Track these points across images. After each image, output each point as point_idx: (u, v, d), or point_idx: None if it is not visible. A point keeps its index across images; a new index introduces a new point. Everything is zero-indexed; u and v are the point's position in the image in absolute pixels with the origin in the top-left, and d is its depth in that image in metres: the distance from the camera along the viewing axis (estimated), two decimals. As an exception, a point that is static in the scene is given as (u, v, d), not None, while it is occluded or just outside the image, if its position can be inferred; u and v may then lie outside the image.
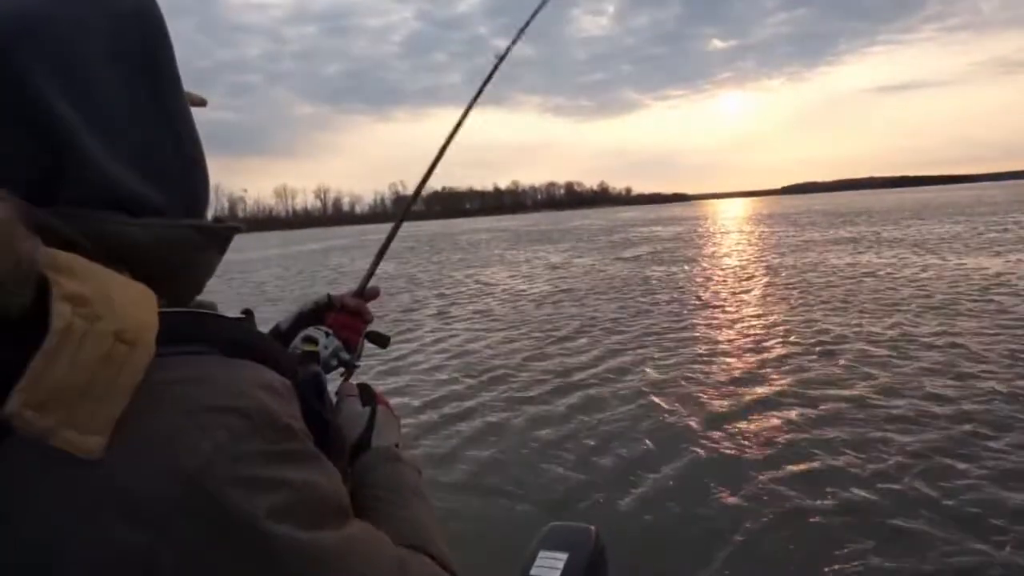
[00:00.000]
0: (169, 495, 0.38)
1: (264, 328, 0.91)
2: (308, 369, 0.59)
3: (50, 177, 0.44)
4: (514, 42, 1.09)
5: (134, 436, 0.39)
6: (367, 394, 0.85)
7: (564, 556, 1.05)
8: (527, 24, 1.08)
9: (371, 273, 1.00)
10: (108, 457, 0.37)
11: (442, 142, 1.06)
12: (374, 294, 1.01)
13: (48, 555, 0.37)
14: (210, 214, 0.58)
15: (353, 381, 0.91)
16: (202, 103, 0.63)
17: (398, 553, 0.53)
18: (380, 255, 1.04)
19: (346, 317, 0.94)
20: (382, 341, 1.02)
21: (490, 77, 1.08)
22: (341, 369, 0.93)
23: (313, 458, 0.47)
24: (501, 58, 1.08)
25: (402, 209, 1.06)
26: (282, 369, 0.50)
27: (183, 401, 0.41)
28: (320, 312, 0.95)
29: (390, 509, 0.64)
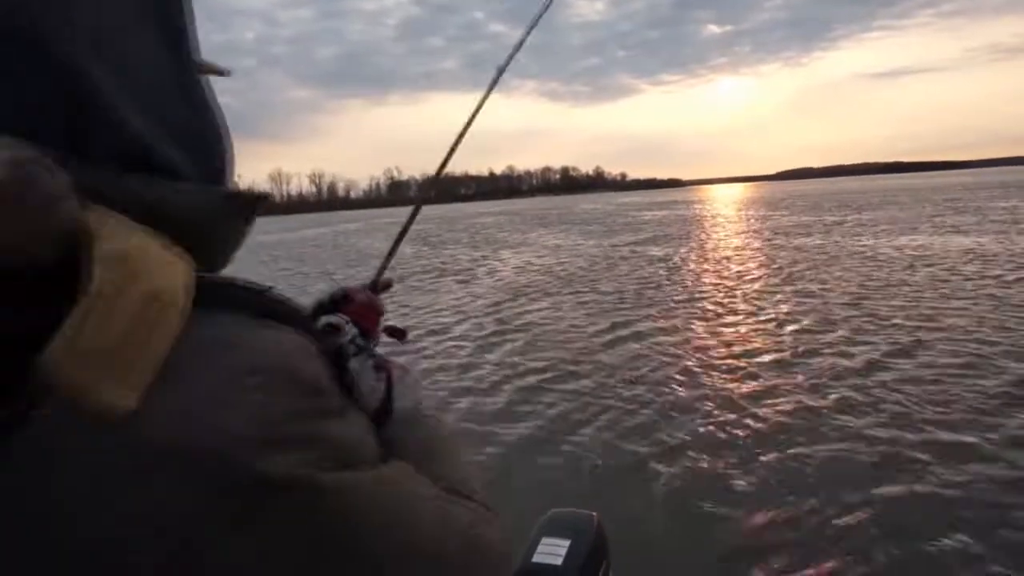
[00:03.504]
0: (204, 457, 0.38)
1: None
2: (331, 340, 0.64)
3: (79, 136, 0.43)
4: (528, 32, 1.08)
5: (169, 398, 0.38)
6: (378, 360, 0.85)
7: (566, 543, 1.06)
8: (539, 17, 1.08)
9: (385, 265, 1.00)
10: (141, 420, 0.37)
11: (461, 127, 1.08)
12: (387, 285, 1.02)
13: (74, 523, 0.36)
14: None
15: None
16: (222, 73, 0.61)
17: (437, 493, 0.56)
18: (397, 243, 1.03)
19: (363, 307, 0.96)
20: (399, 335, 1.04)
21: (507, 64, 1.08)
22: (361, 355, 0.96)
23: (344, 410, 0.49)
24: (518, 46, 1.08)
25: (423, 192, 1.05)
26: (310, 336, 0.51)
27: (218, 363, 0.42)
28: (337, 305, 0.96)
29: (422, 461, 0.64)
